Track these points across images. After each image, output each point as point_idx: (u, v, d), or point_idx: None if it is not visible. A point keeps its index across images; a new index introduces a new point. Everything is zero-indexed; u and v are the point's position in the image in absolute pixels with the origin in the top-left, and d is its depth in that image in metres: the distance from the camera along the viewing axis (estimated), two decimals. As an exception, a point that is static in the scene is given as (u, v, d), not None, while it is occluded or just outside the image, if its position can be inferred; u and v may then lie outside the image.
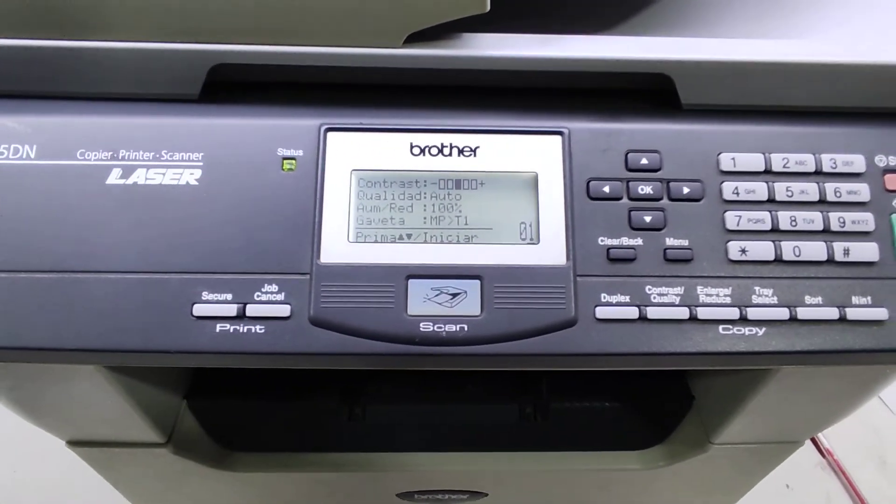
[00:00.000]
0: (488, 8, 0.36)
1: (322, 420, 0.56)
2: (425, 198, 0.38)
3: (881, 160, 0.39)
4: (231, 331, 0.35)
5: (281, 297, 0.35)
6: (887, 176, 0.38)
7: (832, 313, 0.36)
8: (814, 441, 1.08)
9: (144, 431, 0.48)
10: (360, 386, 0.56)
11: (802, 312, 0.36)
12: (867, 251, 0.37)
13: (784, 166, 0.38)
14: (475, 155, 0.38)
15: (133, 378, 0.43)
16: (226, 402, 0.55)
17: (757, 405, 0.45)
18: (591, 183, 0.38)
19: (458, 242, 0.37)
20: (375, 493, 0.62)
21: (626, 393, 0.56)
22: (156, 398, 0.48)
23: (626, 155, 0.38)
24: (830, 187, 0.38)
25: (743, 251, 0.37)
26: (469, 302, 0.36)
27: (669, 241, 0.37)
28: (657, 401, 0.57)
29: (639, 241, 0.37)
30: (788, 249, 0.37)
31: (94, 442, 0.51)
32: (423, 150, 0.38)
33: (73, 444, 0.50)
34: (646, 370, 0.56)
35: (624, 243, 0.37)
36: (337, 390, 0.56)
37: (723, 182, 0.38)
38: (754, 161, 0.38)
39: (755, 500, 1.00)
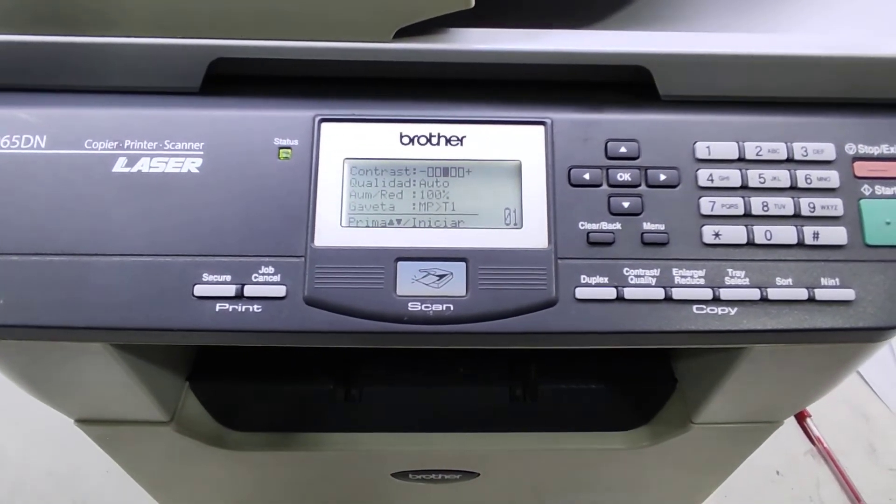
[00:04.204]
0: (473, 4, 0.37)
1: (319, 401, 0.58)
2: (414, 185, 0.40)
3: (851, 148, 0.40)
4: (230, 310, 0.37)
5: (277, 278, 0.37)
6: (856, 163, 0.40)
7: (802, 294, 0.38)
8: (804, 429, 1.10)
9: (149, 410, 0.50)
10: (356, 368, 0.58)
11: (773, 293, 0.38)
12: (836, 235, 0.39)
13: (757, 154, 0.40)
14: (462, 144, 0.40)
15: (138, 357, 0.45)
16: (226, 384, 0.57)
17: (733, 385, 0.47)
18: (573, 170, 0.40)
19: (446, 227, 0.39)
20: (371, 473, 0.64)
21: (612, 376, 0.58)
22: (160, 378, 0.50)
23: (606, 144, 0.40)
24: (801, 174, 0.40)
25: (716, 235, 0.39)
26: (455, 283, 0.38)
27: (646, 226, 0.39)
28: (642, 383, 0.58)
29: (617, 226, 0.39)
30: (760, 233, 0.39)
31: (101, 420, 0.53)
32: (412, 140, 0.40)
33: (82, 422, 0.53)
34: (631, 353, 0.59)
35: (603, 228, 0.39)
36: (334, 373, 0.58)
37: (698, 169, 0.40)
38: (728, 149, 0.40)
39: (746, 486, 1.03)
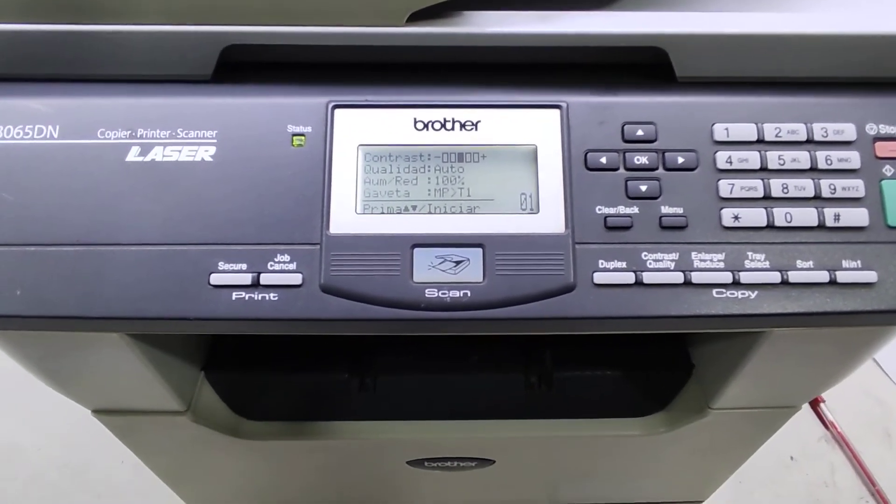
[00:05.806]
0: (486, -14, 0.37)
1: (334, 390, 0.58)
2: (429, 171, 0.39)
3: (871, 128, 0.40)
4: (246, 298, 0.37)
5: (293, 266, 0.37)
6: (878, 143, 0.39)
7: (823, 276, 0.38)
8: (818, 414, 1.09)
9: (166, 400, 0.50)
10: (371, 357, 0.58)
11: (794, 276, 0.38)
12: (857, 216, 0.38)
13: (776, 135, 0.39)
14: (477, 129, 0.40)
15: (155, 347, 0.45)
16: (241, 374, 0.57)
17: (752, 369, 0.47)
18: (589, 154, 0.39)
19: (461, 213, 0.39)
20: (386, 461, 0.64)
21: (628, 362, 0.58)
22: (176, 368, 0.50)
23: (623, 127, 0.39)
24: (822, 155, 0.39)
25: (736, 218, 0.38)
26: (472, 269, 0.38)
27: (664, 209, 0.38)
28: (658, 369, 0.58)
29: (635, 210, 0.38)
30: (780, 216, 0.38)
31: (118, 410, 0.53)
32: (426, 125, 0.40)
33: (99, 412, 0.53)
34: (647, 339, 0.58)
35: (621, 212, 0.38)
36: (348, 361, 0.57)
37: (716, 151, 0.39)
38: (747, 131, 0.39)
39: (760, 472, 1.02)
